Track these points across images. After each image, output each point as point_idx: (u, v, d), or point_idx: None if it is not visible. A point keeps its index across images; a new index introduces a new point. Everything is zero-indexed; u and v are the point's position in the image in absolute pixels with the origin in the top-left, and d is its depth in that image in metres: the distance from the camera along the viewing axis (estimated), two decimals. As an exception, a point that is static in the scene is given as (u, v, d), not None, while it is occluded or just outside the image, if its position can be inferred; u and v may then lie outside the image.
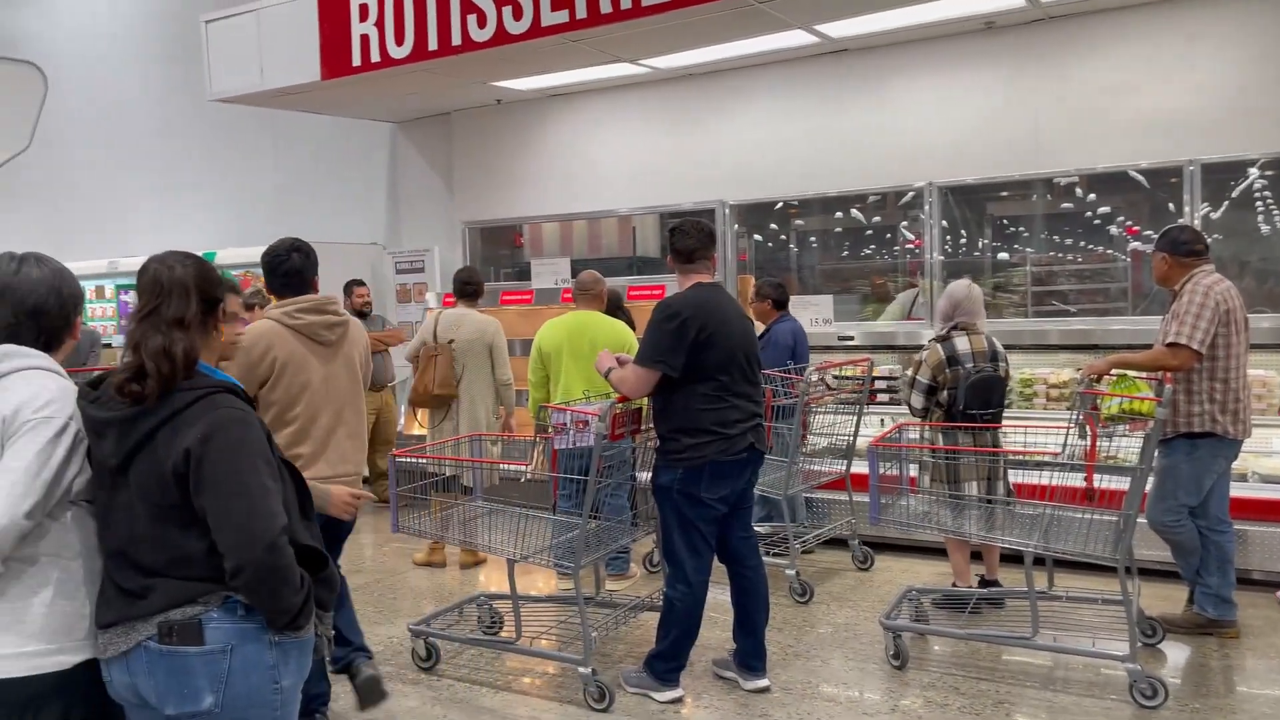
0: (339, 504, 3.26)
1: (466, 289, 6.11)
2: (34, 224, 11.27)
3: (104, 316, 10.60)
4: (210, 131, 10.48)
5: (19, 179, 12.29)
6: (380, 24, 6.90)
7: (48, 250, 2.31)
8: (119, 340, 9.54)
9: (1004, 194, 6.92)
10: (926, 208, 6.73)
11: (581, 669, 4.05)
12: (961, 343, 4.74)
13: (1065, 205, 6.66)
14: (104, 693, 2.13)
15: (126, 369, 2.05)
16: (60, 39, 11.86)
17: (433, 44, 6.69)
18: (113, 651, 2.06)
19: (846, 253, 7.62)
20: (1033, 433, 4.43)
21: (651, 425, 4.10)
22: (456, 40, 6.58)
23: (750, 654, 4.16)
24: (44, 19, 12.14)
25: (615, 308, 5.87)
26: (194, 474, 1.99)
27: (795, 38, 6.61)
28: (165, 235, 10.22)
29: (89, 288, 10.41)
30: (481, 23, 6.45)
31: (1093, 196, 6.52)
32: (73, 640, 2.10)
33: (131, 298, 2.41)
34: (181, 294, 2.09)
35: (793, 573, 5.26)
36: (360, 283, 7.64)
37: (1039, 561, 4.32)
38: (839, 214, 7.43)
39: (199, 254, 2.25)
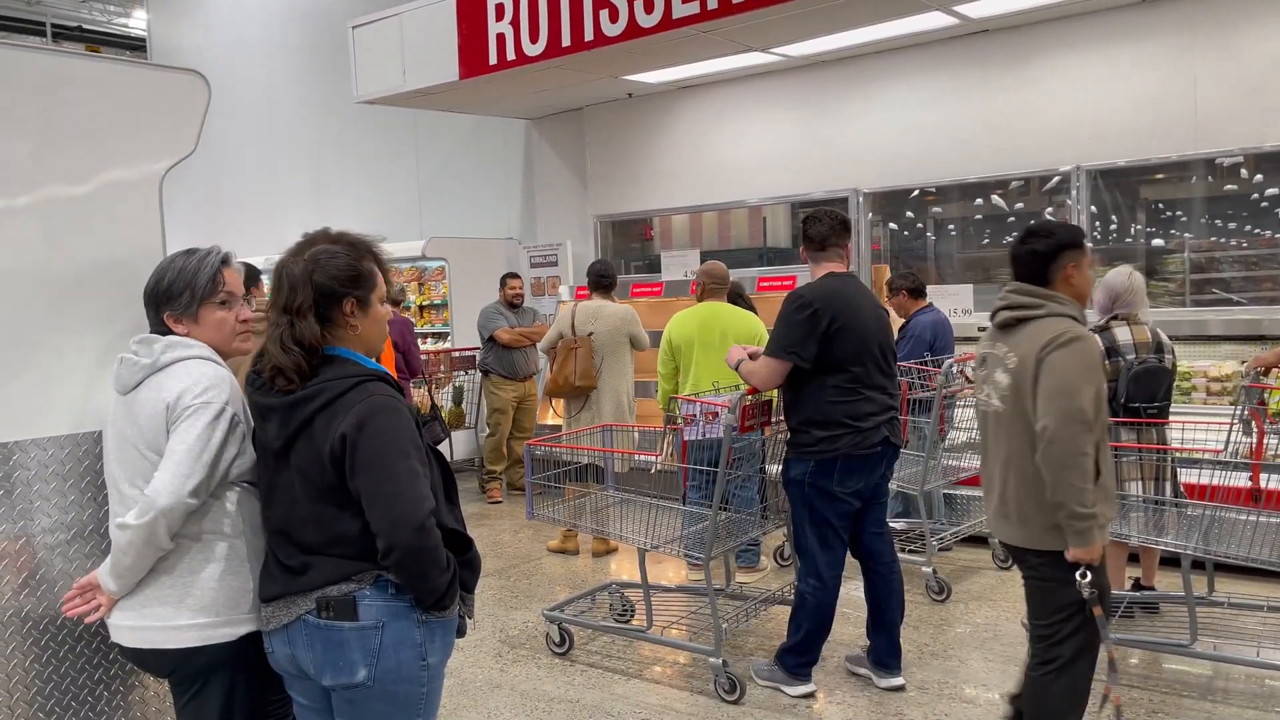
0: None
1: (602, 281, 6.21)
2: (197, 220, 11.99)
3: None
4: (355, 131, 10.95)
5: (182, 178, 13.11)
6: (515, 22, 7.06)
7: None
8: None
9: (1159, 176, 6.54)
10: (1074, 192, 6.43)
11: (713, 660, 4.06)
12: (1122, 333, 4.48)
13: (1228, 187, 6.24)
14: (266, 664, 2.26)
15: (269, 361, 2.17)
16: (216, 45, 12.59)
17: (566, 40, 6.80)
18: (275, 624, 2.18)
19: (987, 240, 7.35)
20: (1192, 429, 4.19)
21: (782, 418, 4.07)
22: (589, 35, 6.67)
23: (884, 651, 4.09)
24: (201, 29, 12.92)
25: (735, 297, 5.85)
26: (349, 458, 2.09)
27: (932, 20, 6.41)
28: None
29: (248, 282, 11.02)
30: (613, 17, 6.52)
31: (1259, 177, 6.09)
32: (239, 613, 2.25)
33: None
34: (290, 285, 2.19)
35: (929, 570, 5.13)
36: (514, 275, 7.85)
37: (1198, 565, 4.08)
38: (979, 200, 7.18)
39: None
